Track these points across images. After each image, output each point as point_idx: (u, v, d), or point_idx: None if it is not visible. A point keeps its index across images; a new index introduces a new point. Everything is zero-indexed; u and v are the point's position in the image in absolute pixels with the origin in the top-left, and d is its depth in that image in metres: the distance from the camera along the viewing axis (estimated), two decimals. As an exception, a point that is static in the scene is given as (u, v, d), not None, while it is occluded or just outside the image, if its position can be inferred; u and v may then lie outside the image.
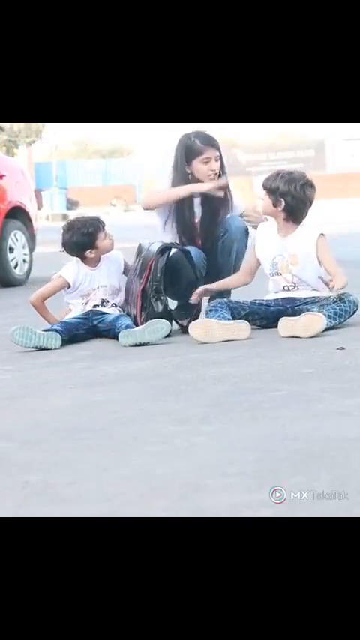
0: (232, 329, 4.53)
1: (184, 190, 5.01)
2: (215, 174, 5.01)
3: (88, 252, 4.96)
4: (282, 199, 4.75)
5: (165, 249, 4.89)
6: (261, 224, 5.02)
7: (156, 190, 5.18)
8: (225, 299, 4.83)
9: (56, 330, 4.68)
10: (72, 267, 5.01)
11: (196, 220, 5.09)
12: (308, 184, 4.79)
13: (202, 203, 5.05)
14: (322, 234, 4.80)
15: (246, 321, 4.62)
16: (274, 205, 4.79)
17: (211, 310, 4.74)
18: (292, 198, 4.75)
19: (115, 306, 4.98)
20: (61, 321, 4.84)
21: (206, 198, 5.04)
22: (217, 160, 5.02)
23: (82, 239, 4.95)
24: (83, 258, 5.00)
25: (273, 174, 4.87)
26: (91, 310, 4.92)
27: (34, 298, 5.03)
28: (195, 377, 3.64)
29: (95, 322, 4.87)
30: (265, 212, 4.90)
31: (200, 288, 4.87)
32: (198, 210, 5.08)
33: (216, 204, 5.05)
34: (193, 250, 4.98)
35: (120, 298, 5.02)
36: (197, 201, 5.06)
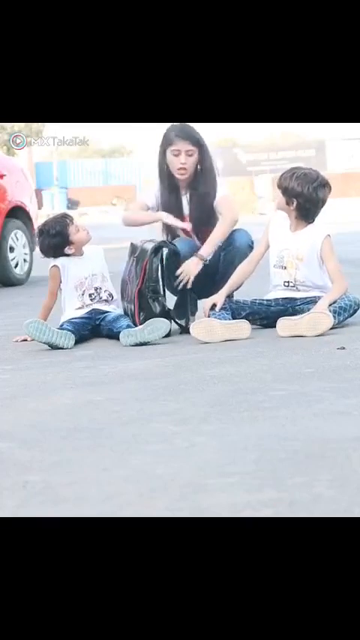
0: (233, 328, 4.54)
1: (148, 218, 5.00)
2: (184, 169, 4.91)
3: (66, 249, 4.96)
4: (294, 199, 4.76)
5: (159, 248, 4.87)
6: (276, 213, 5.00)
7: (132, 209, 5.18)
8: (225, 306, 4.82)
9: (69, 330, 4.68)
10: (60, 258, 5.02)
11: (186, 213, 5.04)
12: (321, 185, 4.77)
13: (191, 196, 5.02)
14: (328, 235, 4.81)
15: (247, 321, 4.62)
16: (287, 204, 4.80)
17: (211, 309, 4.74)
18: (305, 199, 4.75)
19: (112, 297, 4.98)
20: (68, 321, 4.83)
21: (194, 192, 4.99)
22: (190, 155, 4.90)
23: (54, 240, 4.96)
24: (66, 256, 4.99)
25: (288, 172, 4.84)
26: (93, 310, 4.91)
27: (43, 315, 4.99)
28: (195, 377, 3.64)
29: (98, 322, 4.87)
30: (279, 208, 4.90)
31: (209, 304, 4.82)
32: (186, 203, 5.03)
33: (204, 197, 4.98)
34: (186, 243, 4.94)
35: (111, 285, 5.03)
36: (185, 197, 5.03)
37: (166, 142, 4.94)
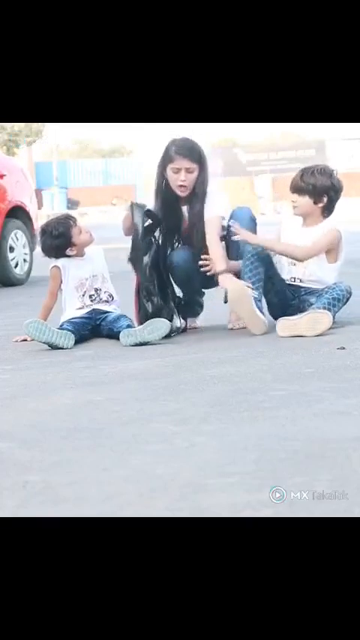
0: (252, 319, 4.56)
1: (125, 218, 4.90)
2: (184, 186, 4.81)
3: (68, 250, 4.97)
4: (325, 194, 4.75)
5: (146, 244, 4.82)
6: (287, 216, 4.99)
7: (122, 220, 5.02)
8: (267, 252, 4.74)
9: (69, 330, 4.68)
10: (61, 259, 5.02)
11: (184, 226, 4.95)
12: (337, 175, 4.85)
13: (189, 211, 4.90)
14: (338, 230, 4.80)
15: (266, 320, 4.63)
16: (315, 202, 4.78)
17: (250, 258, 4.69)
18: (335, 191, 4.79)
19: (112, 297, 4.99)
20: (68, 321, 4.83)
21: (191, 210, 4.88)
22: (190, 172, 4.78)
23: (57, 241, 4.95)
24: (67, 257, 4.99)
25: (307, 171, 4.82)
26: (93, 310, 4.92)
27: (43, 315, 4.97)
28: (195, 377, 3.64)
29: (98, 322, 4.88)
30: (304, 212, 4.83)
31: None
32: (186, 213, 4.93)
33: (200, 212, 4.87)
34: (182, 253, 4.92)
35: (111, 285, 5.03)
36: (185, 208, 4.96)
37: (167, 159, 4.84)
